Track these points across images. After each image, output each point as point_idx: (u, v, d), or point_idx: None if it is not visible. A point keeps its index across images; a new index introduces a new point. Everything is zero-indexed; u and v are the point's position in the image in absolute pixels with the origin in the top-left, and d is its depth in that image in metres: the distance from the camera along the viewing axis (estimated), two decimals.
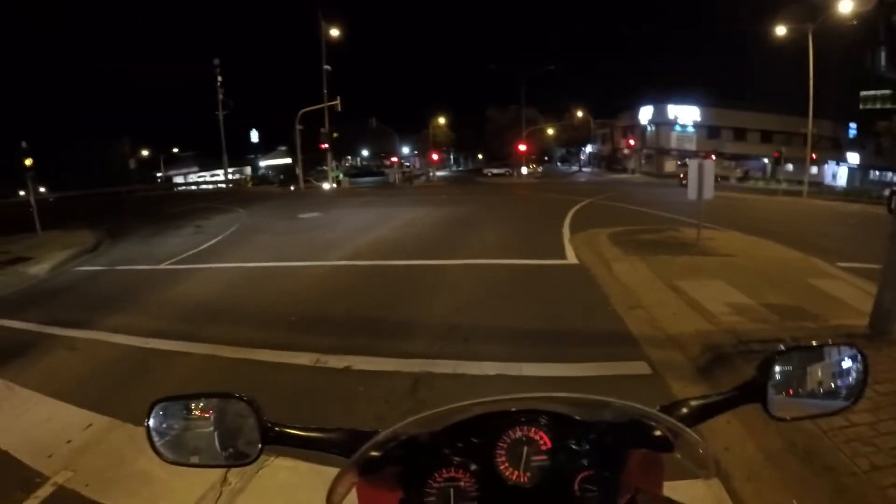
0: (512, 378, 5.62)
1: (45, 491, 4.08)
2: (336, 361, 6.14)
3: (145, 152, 66.63)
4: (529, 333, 7.00)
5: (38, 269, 12.97)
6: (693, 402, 1.15)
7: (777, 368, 1.16)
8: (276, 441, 1.10)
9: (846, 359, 1.21)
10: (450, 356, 6.21)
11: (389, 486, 1.03)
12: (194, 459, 1.14)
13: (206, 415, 1.14)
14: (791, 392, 1.17)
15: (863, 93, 41.91)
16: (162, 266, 12.40)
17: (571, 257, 11.70)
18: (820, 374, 1.20)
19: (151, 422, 1.14)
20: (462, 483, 0.98)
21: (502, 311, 8.01)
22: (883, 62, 6.46)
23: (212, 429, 1.13)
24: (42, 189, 35.94)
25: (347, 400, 5.24)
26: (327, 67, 44.46)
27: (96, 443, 4.76)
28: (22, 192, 24.12)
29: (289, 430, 1.12)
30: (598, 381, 5.44)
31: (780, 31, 36.02)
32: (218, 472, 3.95)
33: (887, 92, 36.93)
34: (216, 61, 49.51)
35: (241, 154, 68.26)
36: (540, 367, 5.84)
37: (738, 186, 47.08)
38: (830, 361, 1.21)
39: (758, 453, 3.91)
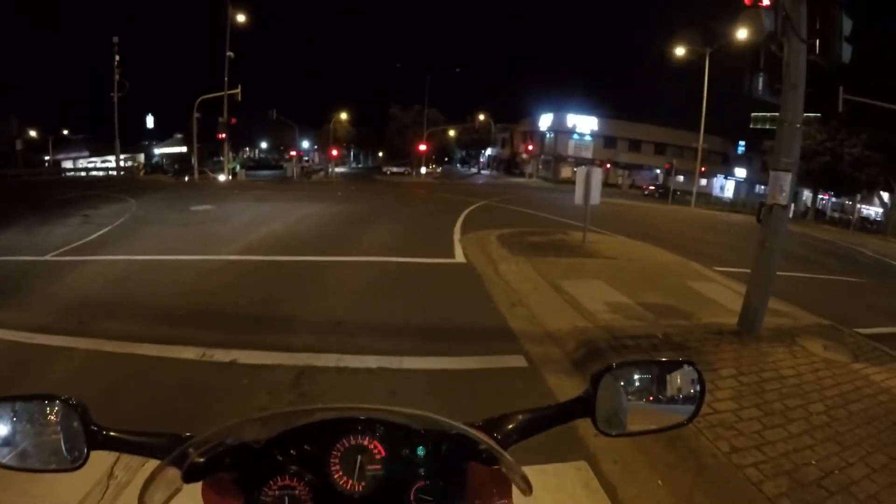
0: (392, 371, 5.60)
1: None
2: (222, 355, 5.94)
3: (33, 133, 61.85)
4: (414, 329, 7.01)
5: None
6: (520, 417, 1.15)
7: (610, 383, 1.16)
8: (103, 445, 1.08)
9: (683, 375, 1.21)
10: (334, 350, 6.13)
11: (230, 493, 1.01)
12: (20, 463, 1.08)
13: (31, 417, 1.09)
14: (626, 406, 1.17)
15: (753, 114, 44.94)
16: (46, 258, 11.57)
17: (460, 257, 11.81)
18: (656, 389, 1.20)
19: None
20: (297, 491, 0.96)
21: (388, 308, 7.98)
22: (760, 87, 7.03)
23: (38, 432, 1.08)
24: None
25: (232, 393, 5.10)
26: (230, 54, 42.84)
27: None
28: None
29: (116, 435, 1.09)
30: (477, 374, 5.49)
31: (680, 52, 38.53)
32: (104, 466, 3.78)
33: (776, 114, 39.57)
34: (115, 39, 46.80)
35: (135, 140, 64.26)
36: (421, 360, 5.85)
37: (631, 194, 49.15)
38: (666, 377, 1.21)
39: (625, 439, 4.00)
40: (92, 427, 1.07)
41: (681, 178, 49.92)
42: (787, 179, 6.78)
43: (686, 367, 1.21)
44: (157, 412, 4.57)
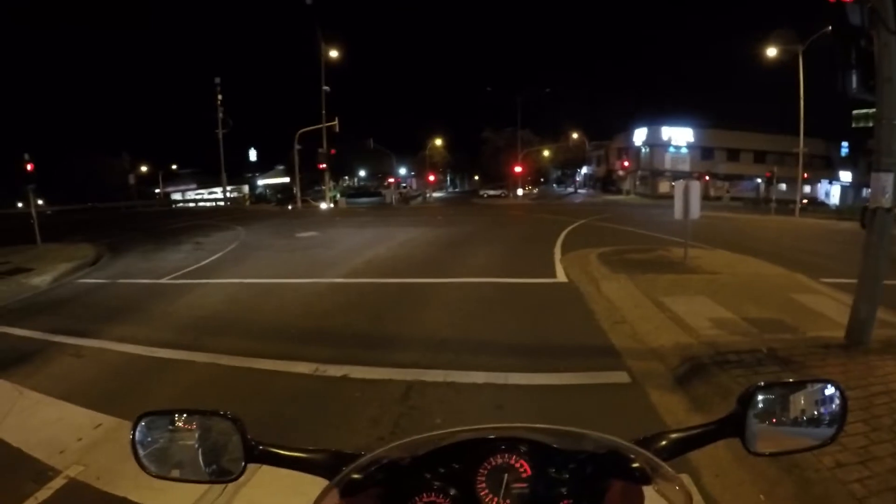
0: (499, 386, 5.80)
1: (58, 483, 4.21)
2: (334, 370, 6.31)
3: (144, 168, 66.50)
4: (517, 346, 7.18)
5: (40, 280, 13.07)
6: (672, 436, 1.16)
7: (757, 403, 1.17)
8: (259, 459, 1.13)
9: (825, 394, 1.22)
10: (440, 366, 6.39)
11: None
12: (176, 473, 1.15)
13: (191, 430, 1.15)
14: (770, 427, 1.18)
15: (854, 112, 42.37)
16: (163, 280, 12.52)
17: (561, 276, 11.89)
18: (799, 409, 1.21)
19: (137, 434, 1.16)
20: None
21: (491, 327, 8.18)
22: (854, 84, 6.74)
23: (196, 444, 1.14)
24: (40, 202, 35.95)
25: (344, 404, 5.43)
26: (326, 88, 44.80)
27: (106, 440, 4.89)
28: (20, 204, 23.89)
29: (272, 450, 1.14)
30: (580, 390, 5.60)
31: (771, 52, 36.68)
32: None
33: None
34: (217, 80, 49.94)
35: (239, 172, 68.26)
36: (525, 376, 6.01)
37: (730, 206, 47.40)
38: (810, 397, 1.22)
39: (726, 452, 4.04)
40: (250, 441, 1.12)
41: (783, 186, 47.65)
42: (889, 180, 6.42)
43: (828, 387, 1.22)
44: (276, 421, 4.93)
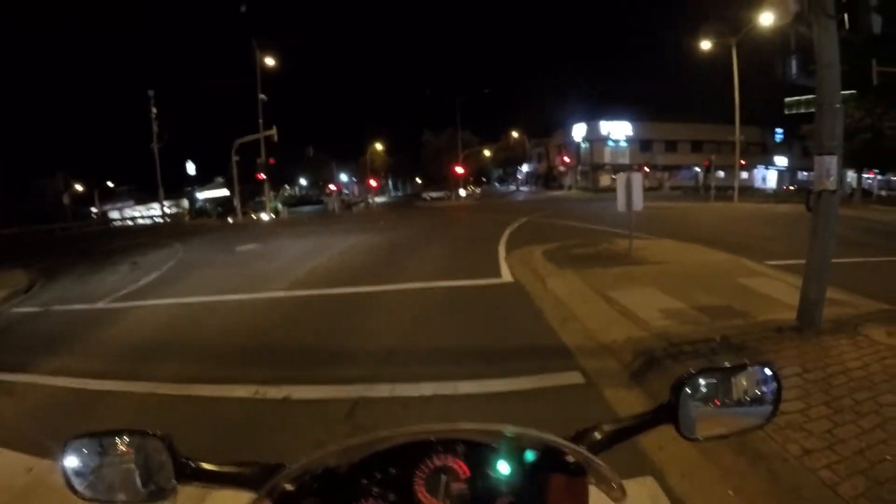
0: (448, 397, 5.57)
1: None
2: (275, 392, 6.01)
3: (79, 187, 64.52)
4: (465, 352, 6.97)
5: None
6: (605, 427, 1.18)
7: (689, 390, 1.19)
8: (191, 477, 1.10)
9: (759, 377, 1.25)
10: (386, 379, 6.13)
11: None
12: (110, 497, 1.10)
13: (122, 452, 1.11)
14: (704, 412, 1.20)
15: (786, 99, 43.88)
16: (99, 305, 11.95)
17: (507, 276, 11.77)
18: (733, 393, 1.23)
19: (66, 460, 1.12)
20: None
21: (438, 333, 7.98)
22: (794, 70, 6.83)
23: (127, 466, 1.10)
24: None
25: (287, 427, 5.16)
26: (262, 97, 44.07)
27: (38, 486, 4.54)
28: None
29: (204, 467, 1.12)
30: (533, 395, 5.41)
31: (706, 45, 38.00)
32: None
33: (811, 97, 38.85)
34: (150, 92, 48.51)
35: (177, 187, 66.25)
36: (475, 384, 5.79)
37: (671, 195, 48.55)
38: (744, 380, 1.24)
39: (691, 449, 3.91)
40: (181, 459, 1.10)
41: (721, 173, 49.09)
42: (832, 163, 6.56)
43: (762, 369, 1.25)
44: (214, 451, 4.63)
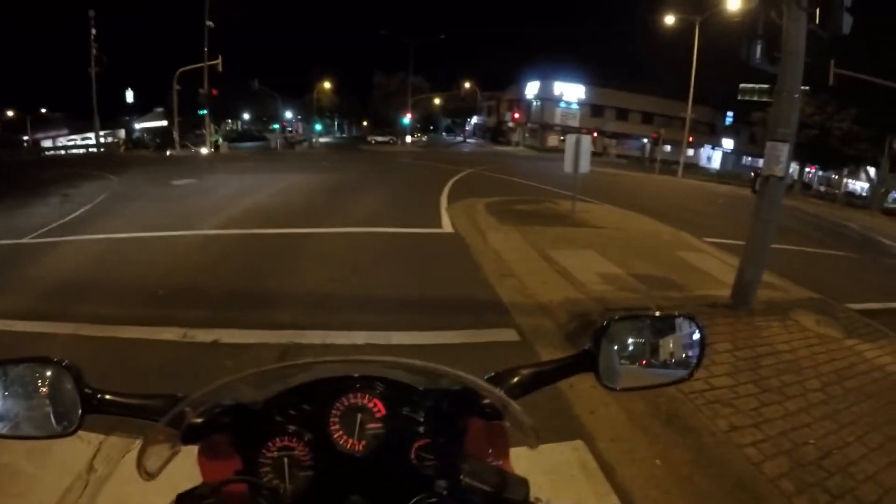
0: (380, 347, 5.47)
1: None
2: (204, 335, 5.78)
3: (10, 113, 60.90)
4: (401, 302, 6.87)
5: None
6: (525, 371, 1.12)
7: (613, 338, 1.14)
8: (97, 409, 1.04)
9: (683, 330, 1.20)
10: (319, 326, 5.98)
11: (226, 455, 1.00)
12: (16, 430, 1.04)
13: (27, 382, 1.04)
14: (626, 362, 1.15)
15: (742, 85, 44.84)
16: (25, 240, 11.30)
17: (448, 226, 11.66)
18: (658, 345, 1.18)
19: None
20: (296, 452, 0.96)
21: (375, 281, 7.82)
22: (758, 55, 6.86)
23: (33, 396, 1.04)
24: None
25: (214, 373, 4.92)
26: (209, 23, 41.96)
27: None
28: None
29: (110, 398, 1.06)
30: (467, 349, 5.37)
31: (669, 20, 38.20)
32: (83, 460, 3.69)
33: (765, 87, 40.21)
34: (91, 13, 45.61)
35: (115, 116, 62.81)
36: (409, 335, 5.73)
37: (617, 163, 49.15)
38: (667, 332, 1.20)
39: (621, 415, 3.93)
40: (86, 390, 1.03)
41: (668, 147, 49.94)
42: (784, 150, 6.64)
43: (686, 322, 1.20)
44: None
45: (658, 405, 4.09)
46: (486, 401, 1.00)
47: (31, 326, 6.42)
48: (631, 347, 1.15)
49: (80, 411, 1.02)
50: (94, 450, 3.81)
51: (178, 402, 1.00)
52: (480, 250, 9.45)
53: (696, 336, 1.19)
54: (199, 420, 0.97)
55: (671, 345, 1.18)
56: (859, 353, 5.89)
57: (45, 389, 1.04)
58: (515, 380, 1.10)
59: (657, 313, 1.22)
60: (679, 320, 1.20)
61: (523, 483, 0.96)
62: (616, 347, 1.13)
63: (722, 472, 3.42)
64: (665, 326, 1.20)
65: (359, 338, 5.64)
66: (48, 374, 1.04)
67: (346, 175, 22.90)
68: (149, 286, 7.72)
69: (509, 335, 5.76)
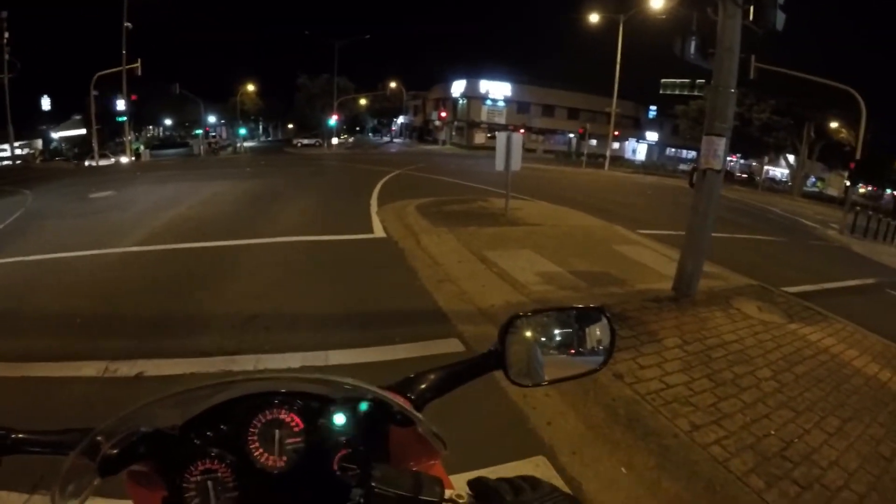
0: (318, 369, 5.19)
1: None
2: (127, 368, 5.38)
3: None
4: (336, 317, 6.59)
5: None
6: (433, 375, 1.14)
7: (520, 334, 1.15)
8: (12, 449, 1.02)
9: (591, 321, 1.21)
10: (250, 350, 5.66)
11: (153, 483, 0.98)
12: None
13: None
14: (535, 357, 1.15)
15: (663, 80, 46.33)
16: None
17: (379, 231, 11.41)
18: (564, 337, 1.19)
19: None
20: (219, 474, 0.94)
21: (306, 295, 7.52)
22: (693, 51, 6.97)
23: None
24: None
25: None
26: (128, 25, 40.43)
27: None
28: None
29: (23, 436, 1.03)
30: (410, 364, 5.10)
31: (594, 18, 39.48)
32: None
33: (686, 81, 41.83)
34: (3, 14, 43.30)
35: (30, 125, 59.82)
36: (348, 353, 5.45)
37: (544, 158, 49.82)
38: (574, 324, 1.20)
39: (579, 425, 3.81)
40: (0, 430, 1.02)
41: (594, 141, 51.04)
42: (721, 144, 6.77)
43: (594, 313, 1.22)
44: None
45: (615, 409, 4.00)
46: (395, 408, 1.00)
47: None
48: (540, 342, 1.15)
49: None
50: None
51: (88, 432, 0.98)
52: (415, 255, 9.25)
53: (605, 326, 1.20)
54: (114, 451, 0.94)
55: (580, 337, 1.19)
56: (803, 338, 6.00)
57: None
58: (424, 385, 1.11)
59: (563, 306, 1.22)
60: (586, 311, 1.22)
61: (438, 483, 0.92)
62: (524, 344, 1.14)
63: (690, 474, 3.33)
64: (571, 319, 1.20)
65: (294, 360, 5.35)
66: None
67: (273, 181, 22.41)
68: (65, 314, 7.24)
69: (453, 346, 5.57)
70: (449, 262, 8.51)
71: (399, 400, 1.01)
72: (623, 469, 3.42)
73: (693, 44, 7.06)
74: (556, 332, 1.18)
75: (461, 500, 0.89)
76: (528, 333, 1.15)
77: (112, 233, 12.16)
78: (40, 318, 7.24)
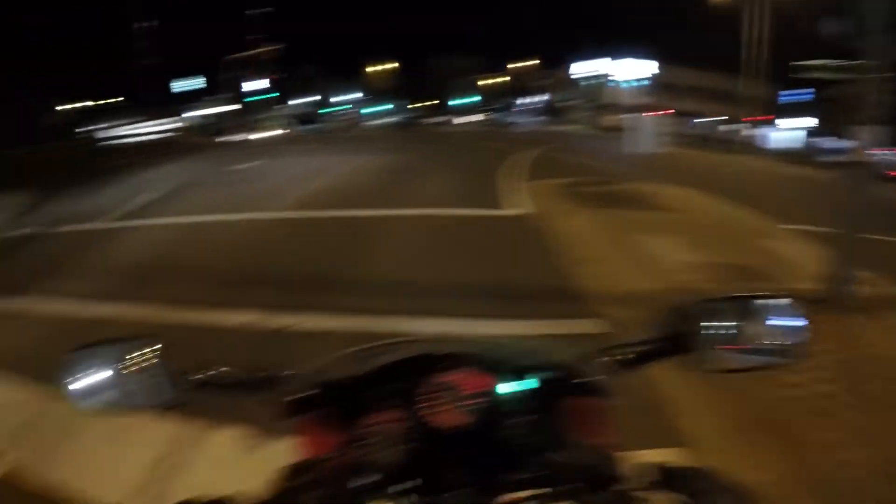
0: (457, 336, 5.30)
1: None
2: (275, 320, 5.76)
3: (70, 106, 62.92)
4: (475, 288, 6.69)
5: None
6: (616, 351, 1.10)
7: (709, 318, 1.09)
8: (196, 386, 1.08)
9: (786, 313, 1.13)
10: (391, 313, 5.87)
11: (324, 429, 1.01)
12: (115, 409, 1.09)
13: (121, 361, 1.07)
14: (724, 344, 1.09)
15: (808, 62, 42.96)
16: (95, 225, 11.65)
17: (517, 208, 11.45)
18: (757, 326, 1.10)
19: (68, 372, 1.08)
20: (396, 426, 0.96)
21: (446, 265, 7.69)
22: (847, 30, 6.42)
23: (129, 375, 1.07)
24: None
25: (287, 359, 4.89)
26: (266, 9, 42.67)
27: (39, 417, 4.38)
28: None
29: (210, 375, 1.09)
30: (550, 339, 5.16)
31: None
32: (166, 441, 3.75)
33: (835, 62, 38.53)
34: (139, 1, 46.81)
35: (174, 103, 64.95)
36: (486, 324, 5.55)
37: (681, 143, 47.78)
38: (769, 314, 1.12)
39: (716, 419, 3.73)
40: (185, 368, 1.08)
41: (731, 126, 48.40)
42: (872, 132, 6.19)
43: (787, 304, 1.13)
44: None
45: (761, 412, 3.83)
46: (587, 379, 1.00)
47: (103, 309, 6.53)
48: (725, 329, 1.09)
49: (179, 388, 1.06)
50: (177, 431, 3.81)
51: (276, 378, 1.06)
52: (553, 233, 9.20)
53: (798, 320, 1.13)
54: (300, 396, 1.00)
55: (771, 327, 1.11)
56: None
57: (147, 366, 1.07)
58: (606, 359, 1.09)
59: (753, 293, 1.14)
60: (778, 302, 1.13)
61: (617, 459, 0.91)
62: (710, 329, 1.08)
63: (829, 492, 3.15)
64: (762, 308, 1.12)
65: (433, 326, 5.49)
66: (150, 351, 1.08)
67: (408, 156, 22.83)
68: (218, 270, 7.78)
69: (590, 326, 5.48)
70: (587, 243, 8.44)
71: (589, 369, 1.01)
72: (762, 474, 3.28)
73: (853, 23, 6.44)
74: (740, 319, 1.11)
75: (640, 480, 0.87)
76: (715, 319, 1.10)
77: (261, 199, 12.89)
78: (197, 271, 7.85)
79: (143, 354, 1.08)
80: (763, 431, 3.67)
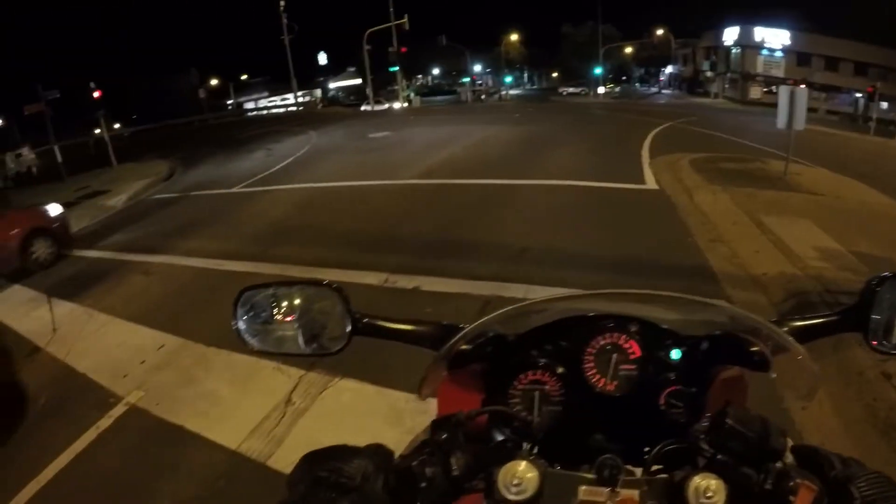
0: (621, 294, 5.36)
1: (119, 410, 4.30)
2: (405, 281, 6.04)
3: (214, 81, 66.22)
4: (604, 261, 6.67)
5: (116, 200, 13.62)
6: (793, 323, 1.01)
7: (884, 295, 0.99)
8: (364, 332, 1.06)
9: None
10: (520, 280, 5.97)
11: (472, 384, 1.01)
12: (280, 349, 1.10)
13: (293, 303, 1.09)
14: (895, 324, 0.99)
15: None
16: (234, 190, 12.49)
17: (651, 182, 11.15)
18: None
19: (238, 310, 1.09)
20: (547, 387, 0.95)
21: (575, 236, 7.65)
22: None
23: (298, 317, 1.08)
24: (116, 125, 37.79)
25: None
26: None
27: (167, 363, 4.95)
28: (97, 130, 24.55)
29: (377, 322, 1.07)
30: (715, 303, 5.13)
31: None
32: (282, 392, 4.05)
33: None
34: None
35: (310, 77, 67.42)
36: None
37: (826, 120, 44.21)
38: None
39: (833, 417, 3.62)
40: (356, 313, 1.05)
41: (884, 104, 44.02)
42: None
43: None
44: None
45: (875, 411, 3.66)
46: (754, 349, 0.92)
47: (239, 266, 7.08)
48: None
49: (349, 332, 1.04)
50: (293, 384, 4.16)
51: (446, 329, 1.03)
52: (686, 210, 8.93)
53: None
54: (466, 348, 0.97)
55: None
56: None
57: (319, 310, 1.08)
58: (785, 329, 0.98)
59: None
60: None
61: (783, 433, 0.83)
62: (886, 307, 1.00)
63: None
64: None
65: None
66: (323, 296, 1.08)
67: (540, 127, 22.43)
68: (349, 232, 8.15)
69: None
70: (722, 222, 8.14)
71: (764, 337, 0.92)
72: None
73: None
74: None
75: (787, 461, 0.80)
76: (892, 297, 1.01)
77: (392, 167, 13.23)
78: (330, 232, 8.26)
79: (315, 300, 1.09)
80: (879, 432, 3.54)
